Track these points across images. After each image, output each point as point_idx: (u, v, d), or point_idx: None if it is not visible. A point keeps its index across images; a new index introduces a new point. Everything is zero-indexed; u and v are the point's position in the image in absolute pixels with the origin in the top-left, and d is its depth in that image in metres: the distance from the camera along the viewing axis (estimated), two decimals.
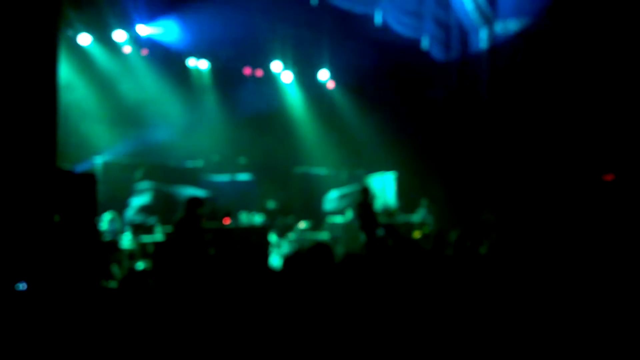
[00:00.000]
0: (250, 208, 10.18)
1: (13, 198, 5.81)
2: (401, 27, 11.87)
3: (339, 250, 9.26)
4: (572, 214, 9.99)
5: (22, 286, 5.65)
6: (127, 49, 10.47)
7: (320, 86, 13.04)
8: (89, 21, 9.81)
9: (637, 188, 10.01)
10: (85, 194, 6.69)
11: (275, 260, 9.03)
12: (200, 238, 7.24)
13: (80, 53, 9.92)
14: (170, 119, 11.04)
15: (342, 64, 12.72)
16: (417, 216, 11.51)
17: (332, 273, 3.13)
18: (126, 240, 8.86)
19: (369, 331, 2.76)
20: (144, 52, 10.60)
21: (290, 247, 9.58)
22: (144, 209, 9.67)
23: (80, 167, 9.10)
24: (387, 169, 12.50)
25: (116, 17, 10.09)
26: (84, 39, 9.92)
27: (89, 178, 6.90)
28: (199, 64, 11.62)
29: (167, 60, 10.99)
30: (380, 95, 12.75)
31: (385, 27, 11.71)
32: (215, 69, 11.76)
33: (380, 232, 8.36)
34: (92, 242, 6.60)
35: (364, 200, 8.66)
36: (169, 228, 8.62)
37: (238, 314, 3.04)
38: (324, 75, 12.77)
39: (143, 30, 10.31)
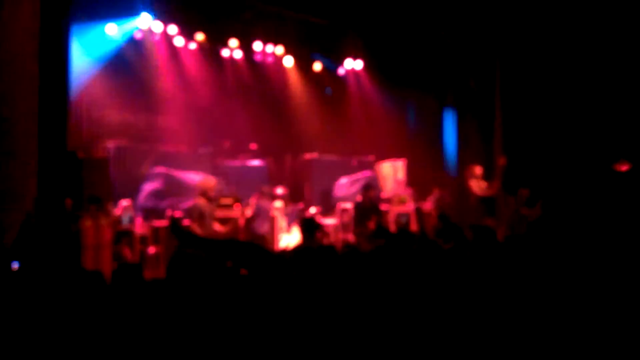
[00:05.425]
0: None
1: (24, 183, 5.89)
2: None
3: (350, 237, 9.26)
4: (586, 205, 9.82)
5: (15, 265, 5.64)
6: (139, 34, 10.54)
7: (330, 72, 13.01)
8: (102, 7, 9.83)
9: None
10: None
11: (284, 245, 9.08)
12: None
13: (91, 39, 9.96)
14: (181, 104, 11.13)
15: (355, 50, 12.64)
16: (429, 204, 11.44)
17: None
18: (138, 225, 8.96)
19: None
20: (155, 37, 10.66)
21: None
22: (155, 194, 9.73)
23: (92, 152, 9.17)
24: (398, 156, 12.41)
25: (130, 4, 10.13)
26: (96, 24, 9.95)
27: (101, 163, 6.98)
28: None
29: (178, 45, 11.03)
30: (394, 82, 12.64)
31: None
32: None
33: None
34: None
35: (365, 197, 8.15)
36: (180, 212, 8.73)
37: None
38: (335, 61, 12.69)
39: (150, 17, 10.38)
